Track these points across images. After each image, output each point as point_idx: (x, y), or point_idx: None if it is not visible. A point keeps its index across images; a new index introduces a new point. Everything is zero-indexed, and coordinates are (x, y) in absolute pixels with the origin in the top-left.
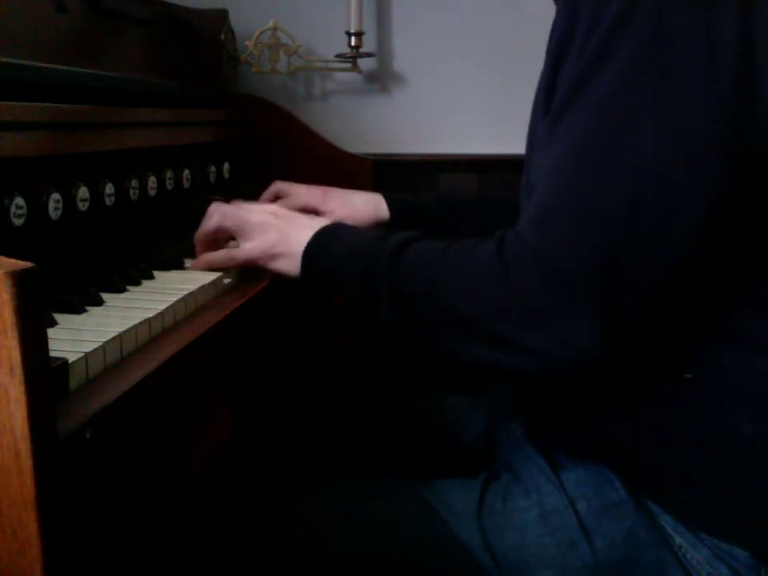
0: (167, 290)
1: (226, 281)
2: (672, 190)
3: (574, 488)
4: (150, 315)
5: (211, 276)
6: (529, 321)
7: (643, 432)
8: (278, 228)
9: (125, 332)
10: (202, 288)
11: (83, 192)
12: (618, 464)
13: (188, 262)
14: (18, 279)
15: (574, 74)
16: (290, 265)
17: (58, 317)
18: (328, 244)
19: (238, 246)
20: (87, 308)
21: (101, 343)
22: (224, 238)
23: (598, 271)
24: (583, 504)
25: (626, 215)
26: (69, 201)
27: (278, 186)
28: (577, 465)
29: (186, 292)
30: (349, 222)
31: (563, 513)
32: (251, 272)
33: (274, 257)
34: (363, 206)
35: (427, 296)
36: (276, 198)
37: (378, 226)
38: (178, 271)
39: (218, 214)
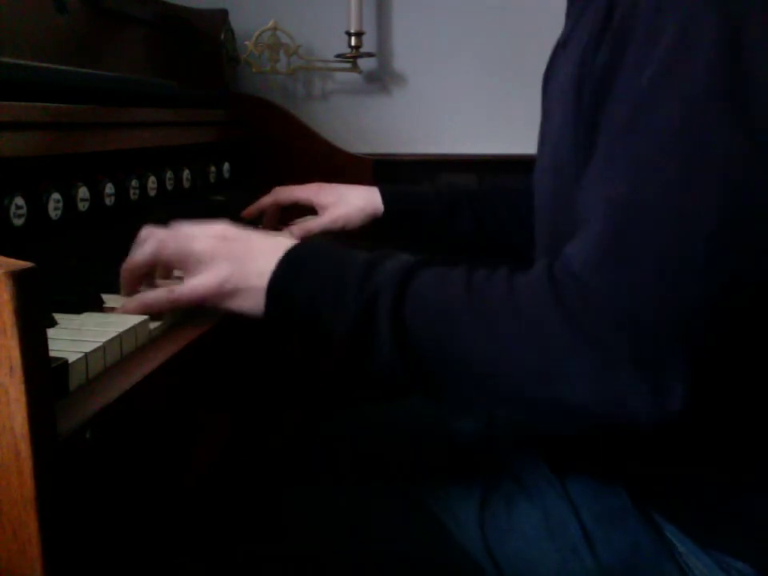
0: None
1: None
2: (761, 223)
3: (578, 495)
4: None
5: None
6: (602, 382)
7: (657, 461)
8: (230, 256)
9: (125, 332)
10: None
11: (83, 192)
12: (623, 480)
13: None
14: (18, 279)
15: (638, 92)
16: (251, 302)
17: (58, 317)
18: (300, 273)
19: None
20: (87, 308)
21: (101, 343)
22: (159, 270)
23: (689, 321)
24: (586, 511)
25: (715, 253)
26: (69, 201)
27: (276, 194)
28: (580, 470)
29: None
30: (343, 218)
31: (566, 520)
32: None
33: (230, 294)
34: (358, 202)
35: (447, 350)
36: (273, 207)
37: (374, 220)
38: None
39: (154, 240)
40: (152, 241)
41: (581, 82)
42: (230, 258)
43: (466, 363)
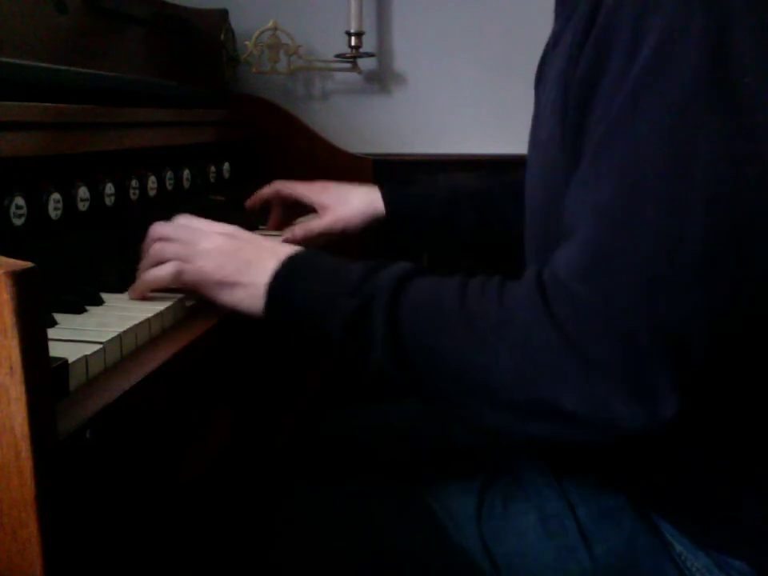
0: (167, 290)
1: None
2: (748, 228)
3: (574, 492)
4: (150, 315)
5: None
6: (590, 390)
7: (653, 462)
8: (234, 254)
9: (125, 332)
10: None
11: (83, 192)
12: (619, 478)
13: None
14: (18, 279)
15: (623, 96)
16: (250, 297)
17: (57, 317)
18: (301, 275)
19: None
20: (87, 308)
21: (101, 343)
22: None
23: (673, 330)
24: (583, 509)
25: (702, 259)
26: (69, 201)
27: (277, 185)
28: (578, 469)
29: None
30: (344, 220)
31: (563, 518)
32: None
33: (231, 285)
34: (359, 203)
35: (440, 357)
36: (274, 198)
37: (375, 222)
38: None
39: (173, 264)
40: (172, 264)
41: (566, 87)
42: (235, 256)
43: (457, 371)
